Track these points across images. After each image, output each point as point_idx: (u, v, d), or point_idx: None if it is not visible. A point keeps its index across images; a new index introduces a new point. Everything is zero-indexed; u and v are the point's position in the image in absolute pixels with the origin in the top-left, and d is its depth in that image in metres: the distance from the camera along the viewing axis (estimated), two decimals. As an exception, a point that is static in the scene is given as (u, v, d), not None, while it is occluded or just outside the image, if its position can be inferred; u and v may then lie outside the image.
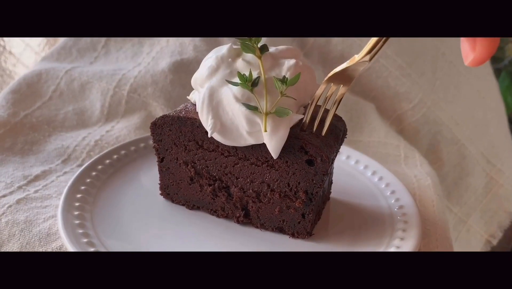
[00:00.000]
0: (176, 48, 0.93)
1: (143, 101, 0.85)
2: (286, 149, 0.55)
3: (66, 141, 0.77)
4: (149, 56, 0.92)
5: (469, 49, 0.42)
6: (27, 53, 1.08)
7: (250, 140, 0.55)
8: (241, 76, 0.53)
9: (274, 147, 0.54)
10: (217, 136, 0.55)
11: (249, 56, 0.56)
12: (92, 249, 0.52)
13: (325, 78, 0.56)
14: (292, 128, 0.54)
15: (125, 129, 0.80)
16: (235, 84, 0.54)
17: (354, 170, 0.74)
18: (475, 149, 1.10)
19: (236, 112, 0.53)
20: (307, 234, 0.59)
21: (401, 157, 0.90)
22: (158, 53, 0.93)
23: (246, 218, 0.61)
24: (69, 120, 0.82)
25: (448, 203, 1.07)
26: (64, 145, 0.76)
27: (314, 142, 0.55)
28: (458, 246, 1.08)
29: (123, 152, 0.71)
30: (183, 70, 0.88)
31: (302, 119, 0.56)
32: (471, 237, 1.12)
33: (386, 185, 0.69)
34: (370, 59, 0.52)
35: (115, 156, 0.70)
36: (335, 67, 0.55)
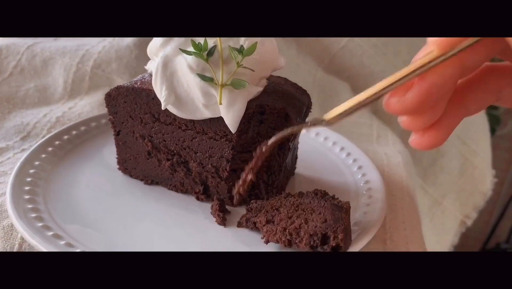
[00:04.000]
0: (143, 23, 0.90)
1: (107, 77, 0.82)
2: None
3: (26, 118, 0.74)
4: (115, 31, 0.89)
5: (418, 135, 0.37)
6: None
7: (207, 114, 0.52)
8: (196, 45, 0.49)
9: (231, 121, 0.50)
10: (172, 109, 0.52)
11: None
12: (40, 224, 0.50)
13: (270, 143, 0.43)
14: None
15: (88, 106, 0.77)
16: (189, 53, 0.50)
17: (323, 147, 0.73)
18: (450, 130, 1.09)
19: (191, 84, 0.50)
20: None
21: (374, 136, 0.88)
22: (123, 28, 0.90)
23: (205, 194, 0.59)
24: (30, 97, 0.79)
25: (423, 184, 1.06)
26: (24, 122, 0.73)
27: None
28: (433, 227, 1.08)
29: (83, 127, 0.69)
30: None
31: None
32: (446, 217, 1.11)
33: (353, 161, 0.68)
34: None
35: (74, 132, 0.68)
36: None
